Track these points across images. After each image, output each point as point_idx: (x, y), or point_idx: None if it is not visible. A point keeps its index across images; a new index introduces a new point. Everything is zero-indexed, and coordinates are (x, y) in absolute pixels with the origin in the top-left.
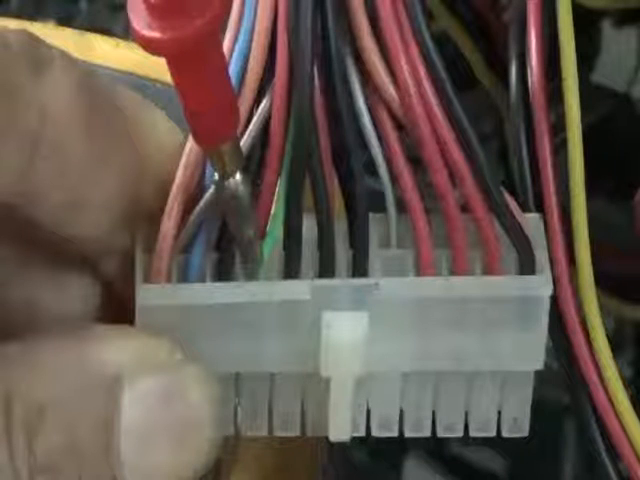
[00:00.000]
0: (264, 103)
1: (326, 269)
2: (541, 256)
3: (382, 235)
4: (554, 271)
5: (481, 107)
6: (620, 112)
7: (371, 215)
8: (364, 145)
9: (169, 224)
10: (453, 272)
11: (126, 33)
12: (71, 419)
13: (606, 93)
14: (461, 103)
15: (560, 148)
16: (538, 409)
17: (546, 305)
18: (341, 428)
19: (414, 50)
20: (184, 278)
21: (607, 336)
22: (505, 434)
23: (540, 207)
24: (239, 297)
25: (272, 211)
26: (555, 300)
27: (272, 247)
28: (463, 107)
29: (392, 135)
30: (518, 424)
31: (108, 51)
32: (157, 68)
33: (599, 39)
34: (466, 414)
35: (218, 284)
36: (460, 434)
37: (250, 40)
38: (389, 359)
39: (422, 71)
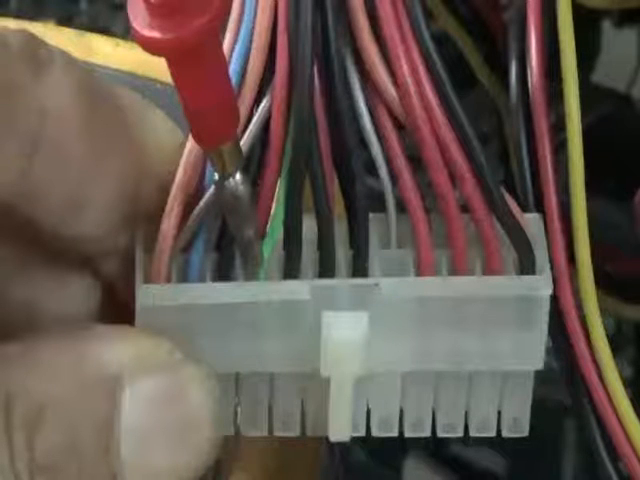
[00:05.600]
0: (264, 103)
1: (326, 269)
2: (541, 256)
3: (382, 235)
4: (554, 271)
5: (481, 107)
6: (620, 112)
7: (371, 215)
8: (364, 145)
9: (169, 224)
10: (453, 272)
11: (126, 33)
12: (71, 419)
13: (606, 93)
14: (461, 103)
15: (560, 148)
16: (538, 409)
17: (546, 305)
18: (341, 428)
19: (414, 50)
20: (184, 278)
21: (607, 336)
22: (505, 434)
23: (540, 207)
24: (239, 297)
25: (272, 211)
26: (555, 300)
27: (272, 247)
28: (463, 107)
29: (392, 135)
30: (518, 424)
31: (108, 51)
32: (157, 68)
33: (599, 39)
34: (466, 414)
35: (218, 284)
36: (460, 434)
37: (250, 40)
38: (389, 359)
39: (422, 71)
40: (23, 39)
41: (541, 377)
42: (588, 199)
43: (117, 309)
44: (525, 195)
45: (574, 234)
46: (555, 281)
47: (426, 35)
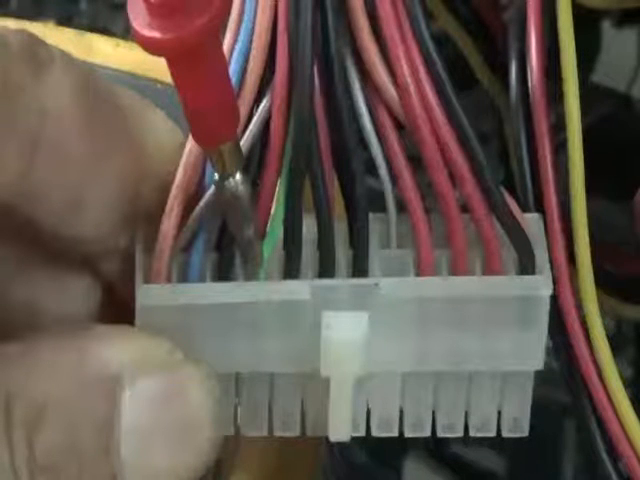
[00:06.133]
0: (264, 103)
1: (326, 269)
2: (541, 256)
3: (382, 235)
4: (554, 271)
5: (481, 107)
6: (620, 112)
7: (371, 215)
8: (364, 145)
9: (169, 224)
10: (453, 272)
11: (126, 33)
12: (71, 419)
13: (606, 93)
14: (461, 103)
15: (560, 148)
16: (538, 409)
17: (546, 305)
18: (341, 428)
19: (414, 50)
20: (184, 278)
21: (607, 336)
22: (505, 434)
23: (540, 207)
24: (239, 297)
25: (272, 211)
26: (555, 300)
27: (272, 247)
28: (463, 107)
29: (392, 135)
30: (518, 424)
31: (108, 51)
32: (157, 68)
33: (599, 39)
34: (466, 414)
35: (218, 284)
36: (460, 434)
37: (250, 40)
38: (389, 359)
39: (422, 71)
40: (23, 39)
41: (541, 377)
42: (588, 199)
43: (117, 309)
44: (525, 195)
45: (574, 234)
46: (555, 281)
47: (426, 35)
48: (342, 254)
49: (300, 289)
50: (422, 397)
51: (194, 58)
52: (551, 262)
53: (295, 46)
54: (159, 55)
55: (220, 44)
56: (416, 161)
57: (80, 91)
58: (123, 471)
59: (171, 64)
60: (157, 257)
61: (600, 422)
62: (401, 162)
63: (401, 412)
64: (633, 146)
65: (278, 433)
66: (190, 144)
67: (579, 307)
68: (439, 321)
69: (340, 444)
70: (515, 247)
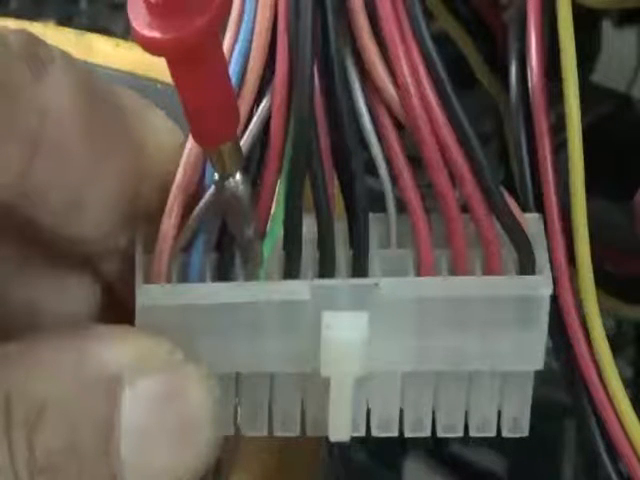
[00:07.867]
0: (264, 103)
1: (326, 269)
2: (541, 256)
3: (382, 235)
4: (554, 271)
5: (481, 107)
6: (620, 112)
7: (371, 215)
8: (364, 145)
9: (169, 224)
10: (453, 272)
11: (126, 33)
12: (71, 419)
13: (606, 93)
14: (461, 103)
15: (560, 148)
16: (538, 409)
17: (546, 305)
18: (341, 428)
19: (414, 50)
20: (184, 278)
21: (607, 336)
22: (505, 434)
23: (540, 207)
24: (239, 297)
25: (272, 211)
26: (555, 300)
27: (272, 247)
28: (463, 107)
29: (392, 135)
30: (518, 424)
31: (108, 51)
32: (157, 68)
33: (599, 39)
34: (466, 414)
35: (218, 284)
36: (460, 434)
37: (250, 40)
38: (389, 359)
39: (422, 71)
40: (23, 39)
41: (541, 377)
42: (588, 199)
43: (117, 309)
44: (525, 195)
45: (574, 234)
46: (555, 281)
47: (426, 35)
48: (342, 254)
49: (300, 289)
50: (422, 397)
51: (194, 58)
52: (551, 262)
53: (295, 46)
54: (159, 55)
55: (220, 44)
56: (416, 161)
57: (80, 91)
58: (123, 471)
59: (171, 64)
60: (157, 257)
61: (600, 422)
62: (401, 162)
63: (401, 412)
64: (633, 146)
65: (278, 433)
66: (190, 144)
67: (579, 307)
68: (439, 321)
69: (340, 444)
70: (515, 247)
